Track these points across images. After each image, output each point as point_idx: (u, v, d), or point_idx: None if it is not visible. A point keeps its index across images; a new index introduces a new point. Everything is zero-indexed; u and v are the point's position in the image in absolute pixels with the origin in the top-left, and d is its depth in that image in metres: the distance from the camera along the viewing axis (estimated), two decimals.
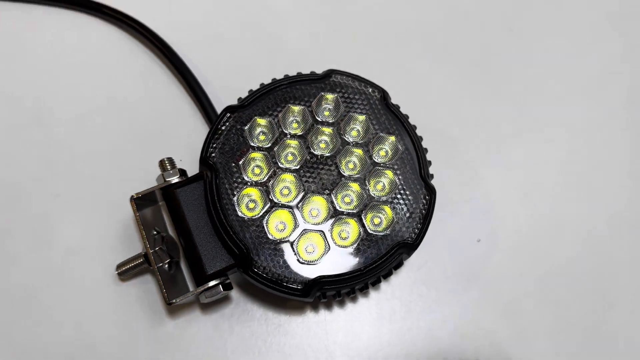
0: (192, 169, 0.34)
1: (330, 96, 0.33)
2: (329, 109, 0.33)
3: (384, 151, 0.33)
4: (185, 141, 0.37)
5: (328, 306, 0.35)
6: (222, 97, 0.38)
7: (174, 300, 0.30)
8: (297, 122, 0.33)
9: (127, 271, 0.33)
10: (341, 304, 0.35)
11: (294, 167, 0.32)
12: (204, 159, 0.31)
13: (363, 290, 0.31)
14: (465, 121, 0.40)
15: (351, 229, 0.31)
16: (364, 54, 0.42)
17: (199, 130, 0.38)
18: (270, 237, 0.30)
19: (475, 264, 0.36)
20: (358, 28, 0.43)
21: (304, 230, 0.31)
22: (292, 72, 0.34)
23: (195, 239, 0.31)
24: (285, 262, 0.30)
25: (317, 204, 0.31)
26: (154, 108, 0.39)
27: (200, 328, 0.34)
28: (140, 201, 0.32)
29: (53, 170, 0.36)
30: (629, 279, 0.37)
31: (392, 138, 0.33)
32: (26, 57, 0.39)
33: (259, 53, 0.41)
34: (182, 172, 0.33)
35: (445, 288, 0.36)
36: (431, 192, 0.32)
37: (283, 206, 0.31)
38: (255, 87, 0.34)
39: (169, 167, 0.33)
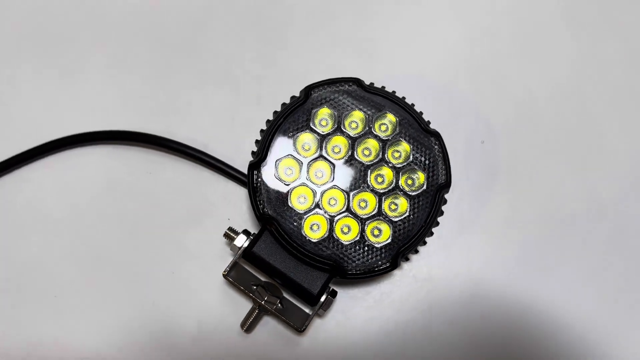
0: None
1: (323, 110, 0.38)
2: (325, 120, 0.38)
3: (385, 126, 0.38)
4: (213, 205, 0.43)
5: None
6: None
7: (303, 328, 0.37)
8: (309, 147, 0.38)
9: (251, 325, 0.39)
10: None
11: (323, 184, 0.37)
12: (262, 217, 0.37)
13: (431, 235, 0.38)
14: None
15: (397, 201, 0.37)
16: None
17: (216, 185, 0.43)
18: (344, 242, 0.36)
19: None
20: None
21: (364, 222, 0.37)
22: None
23: (289, 275, 0.37)
24: (366, 254, 0.36)
25: (363, 197, 0.37)
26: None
27: (328, 328, 0.41)
28: (229, 273, 0.38)
29: None
30: None
31: (388, 115, 0.38)
32: None
33: None
34: (246, 232, 0.38)
35: None
36: (437, 136, 0.38)
37: (339, 214, 0.37)
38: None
39: (233, 235, 0.38)
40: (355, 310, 0.41)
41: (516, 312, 0.41)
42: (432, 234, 0.38)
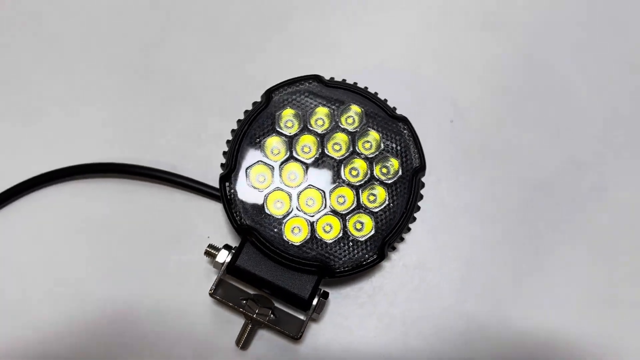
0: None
1: (287, 111, 0.37)
2: (290, 121, 0.37)
3: (351, 119, 0.37)
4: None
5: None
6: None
7: (300, 335, 0.36)
8: (278, 150, 0.37)
9: (246, 341, 0.38)
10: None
11: (298, 185, 0.37)
12: (240, 228, 0.36)
13: (414, 221, 0.37)
14: None
15: (375, 191, 0.36)
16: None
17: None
18: (328, 241, 0.36)
19: None
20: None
21: (345, 218, 0.36)
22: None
23: (277, 283, 0.36)
24: (352, 250, 0.36)
25: (340, 193, 0.36)
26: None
27: (326, 331, 0.40)
28: (215, 291, 0.37)
29: None
30: None
31: (352, 106, 0.37)
32: None
33: None
34: (227, 247, 0.37)
35: None
36: (405, 121, 0.37)
37: (318, 214, 0.36)
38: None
39: (214, 251, 0.37)
40: (350, 308, 0.40)
41: (510, 286, 0.41)
42: (414, 219, 0.37)
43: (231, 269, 0.36)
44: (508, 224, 0.42)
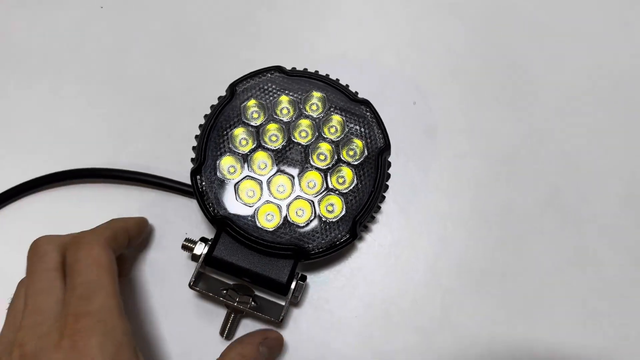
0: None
1: (251, 102, 0.38)
2: (256, 112, 0.38)
3: (315, 105, 0.39)
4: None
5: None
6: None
7: (281, 318, 0.37)
8: (246, 141, 0.38)
9: (230, 330, 0.39)
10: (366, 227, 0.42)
11: (268, 173, 0.38)
12: (214, 219, 0.37)
13: (383, 200, 0.39)
14: None
15: (343, 173, 0.38)
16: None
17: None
18: (301, 225, 0.37)
19: None
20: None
21: (316, 201, 0.37)
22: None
23: (255, 270, 0.37)
24: (325, 231, 0.37)
25: (309, 178, 0.37)
26: None
27: (308, 315, 0.40)
28: (195, 283, 0.38)
29: None
30: None
31: (314, 93, 0.38)
32: None
33: None
34: (204, 240, 0.38)
35: None
36: (367, 103, 0.38)
37: (289, 199, 0.37)
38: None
39: (191, 245, 0.38)
40: (330, 292, 0.41)
41: (486, 254, 0.42)
42: (384, 198, 0.38)
43: (209, 260, 0.37)
44: (476, 199, 0.43)
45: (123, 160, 0.43)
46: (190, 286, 0.37)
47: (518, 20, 0.48)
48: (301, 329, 0.40)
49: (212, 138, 0.38)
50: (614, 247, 0.42)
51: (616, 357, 0.40)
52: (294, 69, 0.40)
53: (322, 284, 0.41)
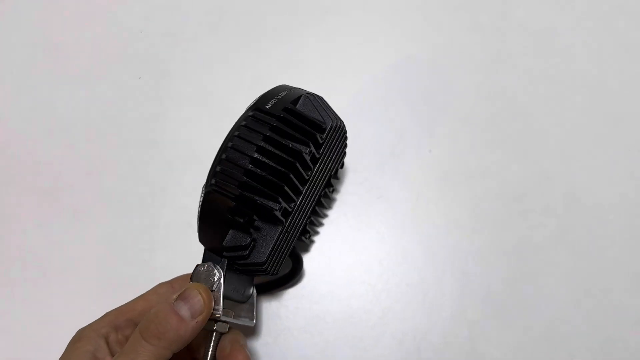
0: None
1: None
2: None
3: None
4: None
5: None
6: None
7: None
8: None
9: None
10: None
11: None
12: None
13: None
14: None
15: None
16: None
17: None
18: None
19: None
20: None
21: None
22: None
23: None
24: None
25: None
26: None
27: (344, 352, 0.43)
28: None
29: None
30: None
31: None
32: None
33: None
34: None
35: None
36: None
37: None
38: None
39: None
40: (364, 331, 0.43)
41: (506, 286, 0.44)
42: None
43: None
44: (493, 235, 0.46)
45: None
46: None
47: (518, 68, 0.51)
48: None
49: None
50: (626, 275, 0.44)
51: None
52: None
53: (355, 324, 0.44)
